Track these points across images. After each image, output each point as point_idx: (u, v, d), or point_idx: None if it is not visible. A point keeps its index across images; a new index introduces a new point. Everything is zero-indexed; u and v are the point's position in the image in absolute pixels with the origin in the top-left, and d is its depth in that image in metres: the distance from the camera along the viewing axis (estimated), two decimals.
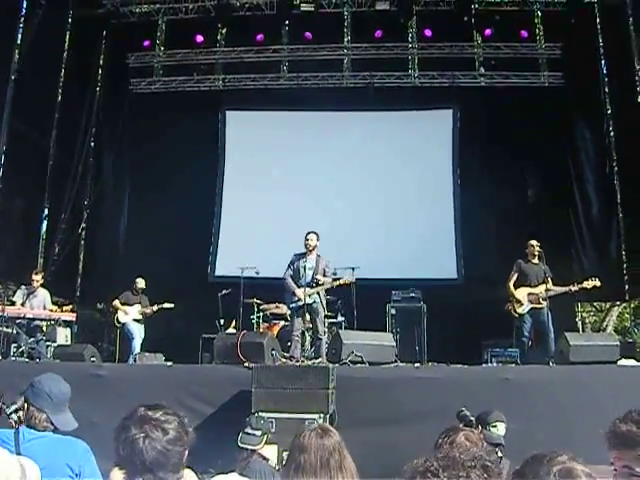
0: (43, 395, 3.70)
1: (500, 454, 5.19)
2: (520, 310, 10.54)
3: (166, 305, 12.66)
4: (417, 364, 9.25)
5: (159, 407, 2.51)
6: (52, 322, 11.71)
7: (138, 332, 12.62)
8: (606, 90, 15.46)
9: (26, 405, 3.72)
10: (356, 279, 10.34)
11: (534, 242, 10.63)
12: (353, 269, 10.36)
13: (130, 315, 12.64)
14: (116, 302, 12.73)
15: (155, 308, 12.67)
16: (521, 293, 10.57)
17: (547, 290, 10.22)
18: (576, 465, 1.80)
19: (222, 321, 12.25)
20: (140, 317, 12.69)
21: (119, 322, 12.60)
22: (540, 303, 10.33)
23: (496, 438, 5.22)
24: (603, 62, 15.58)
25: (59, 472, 3.53)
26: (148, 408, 2.50)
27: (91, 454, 3.80)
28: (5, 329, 10.93)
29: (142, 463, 2.36)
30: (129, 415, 2.46)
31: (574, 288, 10.32)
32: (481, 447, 3.50)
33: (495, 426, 5.43)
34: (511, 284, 10.67)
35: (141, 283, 12.91)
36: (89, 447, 3.85)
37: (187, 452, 2.48)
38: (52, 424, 3.67)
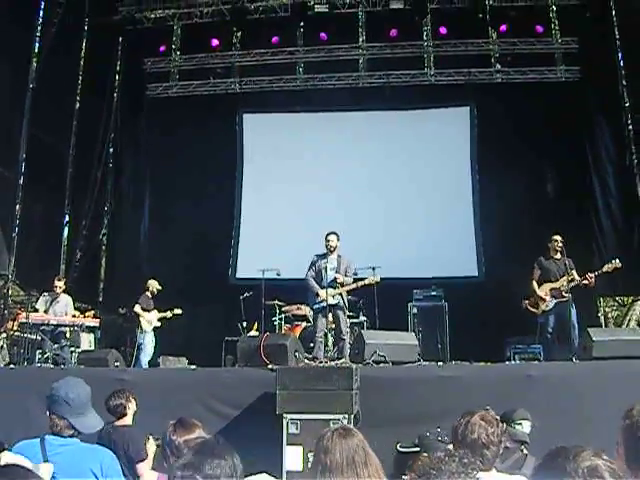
0: (61, 401, 3.76)
1: (525, 451, 5.20)
2: (544, 307, 10.42)
3: (176, 311, 12.77)
4: (440, 363, 9.23)
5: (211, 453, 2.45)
6: (76, 328, 11.80)
7: (151, 344, 12.58)
8: (624, 83, 15.35)
9: (48, 413, 3.79)
10: (380, 279, 10.35)
11: (558, 237, 10.51)
12: (374, 269, 10.37)
13: (153, 324, 12.64)
14: (138, 308, 12.60)
15: (169, 315, 12.73)
16: (543, 290, 10.47)
17: (570, 281, 10.15)
18: (600, 462, 1.79)
19: (244, 324, 12.32)
20: (159, 324, 12.74)
21: (144, 331, 12.52)
22: (563, 296, 10.23)
23: (521, 435, 5.22)
24: (620, 54, 15.46)
25: (80, 474, 3.60)
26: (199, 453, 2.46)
27: (117, 462, 3.86)
28: (30, 335, 11.04)
29: None
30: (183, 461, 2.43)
31: (594, 274, 10.17)
32: (496, 426, 3.52)
33: (520, 424, 5.42)
34: (534, 283, 10.60)
35: (157, 287, 12.89)
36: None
37: None
38: (74, 428, 3.73)
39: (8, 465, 2.17)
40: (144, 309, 12.59)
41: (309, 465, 6.64)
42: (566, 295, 10.20)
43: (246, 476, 3.22)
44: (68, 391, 3.78)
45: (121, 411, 5.88)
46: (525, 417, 5.54)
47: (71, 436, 3.72)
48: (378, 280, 10.32)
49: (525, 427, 5.47)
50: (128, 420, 5.94)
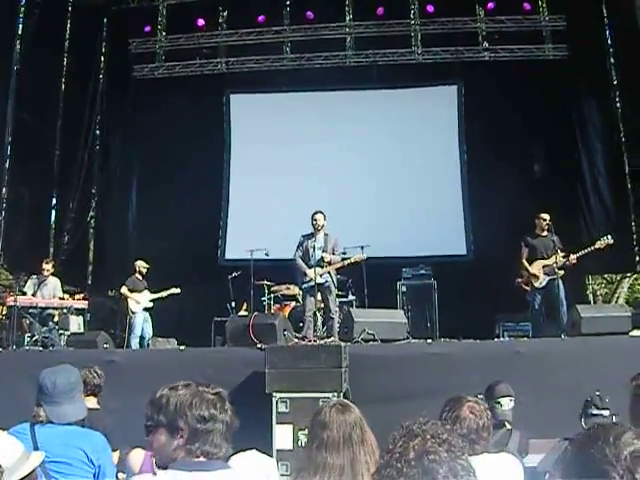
0: (39, 389, 3.78)
1: (509, 426, 5.21)
2: (537, 284, 10.45)
3: (173, 290, 12.72)
4: (429, 340, 9.27)
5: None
6: (64, 310, 11.78)
7: (140, 326, 12.50)
8: (612, 60, 15.34)
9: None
10: (367, 257, 10.36)
11: (545, 216, 10.52)
12: (362, 247, 10.39)
13: (141, 304, 12.57)
14: (124, 290, 12.62)
15: (164, 294, 12.69)
16: (536, 267, 10.50)
17: (564, 257, 10.17)
18: None
19: (233, 304, 12.29)
20: (151, 305, 12.70)
21: (133, 312, 12.50)
22: (556, 273, 10.25)
23: (500, 415, 5.18)
24: (608, 32, 15.43)
25: (72, 456, 3.59)
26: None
27: (109, 447, 3.86)
28: (18, 319, 11.02)
29: None
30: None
31: (586, 250, 10.20)
32: (486, 418, 3.51)
33: (498, 402, 5.36)
34: (524, 260, 10.62)
35: (144, 265, 12.83)
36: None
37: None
38: (48, 417, 3.73)
39: None
40: (132, 290, 12.57)
41: (299, 443, 6.68)
42: (559, 272, 10.23)
43: (236, 453, 3.22)
44: (46, 378, 3.78)
45: (93, 390, 5.47)
46: (505, 394, 5.49)
47: (51, 423, 3.72)
48: (364, 258, 10.34)
49: (505, 405, 5.43)
50: (95, 402, 5.52)
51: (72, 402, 3.80)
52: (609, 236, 10.22)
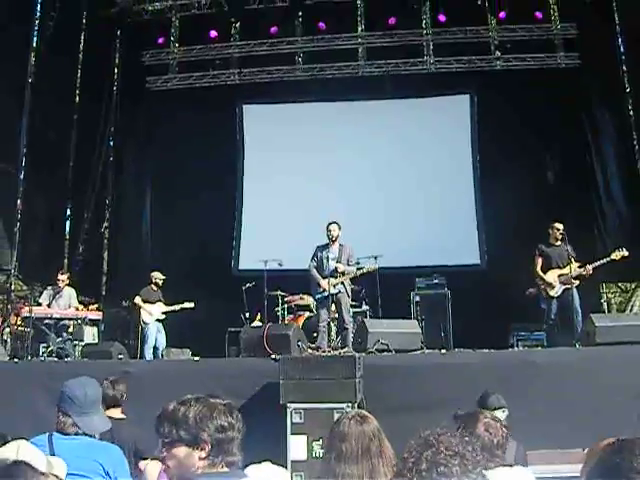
0: (67, 399, 3.76)
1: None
2: (553, 293, 10.39)
3: (186, 305, 12.66)
4: (443, 350, 9.24)
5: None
6: (79, 321, 11.82)
7: (154, 336, 12.51)
8: (624, 68, 15.30)
9: (57, 409, 3.79)
10: (379, 267, 10.35)
11: (559, 225, 10.48)
12: (376, 258, 10.37)
13: (154, 315, 12.55)
14: (138, 300, 12.60)
15: (177, 308, 12.67)
16: (551, 276, 10.45)
17: (580, 267, 10.15)
18: None
19: (247, 314, 12.31)
20: (163, 317, 12.70)
21: (145, 323, 12.53)
22: (571, 283, 10.22)
23: None
24: (620, 39, 15.39)
25: (90, 468, 3.59)
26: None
27: (126, 460, 3.86)
28: (33, 330, 11.06)
29: None
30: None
31: (602, 261, 10.18)
32: (501, 436, 3.48)
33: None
34: (538, 269, 10.58)
35: (160, 277, 12.84)
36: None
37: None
38: (78, 427, 3.73)
39: (17, 462, 2.15)
40: (145, 300, 12.57)
41: (314, 454, 6.67)
42: (574, 281, 10.18)
43: (249, 465, 3.22)
44: (75, 389, 3.77)
45: (116, 402, 5.52)
46: (499, 405, 5.44)
47: (76, 434, 3.73)
48: (376, 267, 10.34)
49: (499, 417, 5.36)
50: (119, 412, 5.55)
51: (98, 413, 3.84)
52: (624, 249, 10.19)
